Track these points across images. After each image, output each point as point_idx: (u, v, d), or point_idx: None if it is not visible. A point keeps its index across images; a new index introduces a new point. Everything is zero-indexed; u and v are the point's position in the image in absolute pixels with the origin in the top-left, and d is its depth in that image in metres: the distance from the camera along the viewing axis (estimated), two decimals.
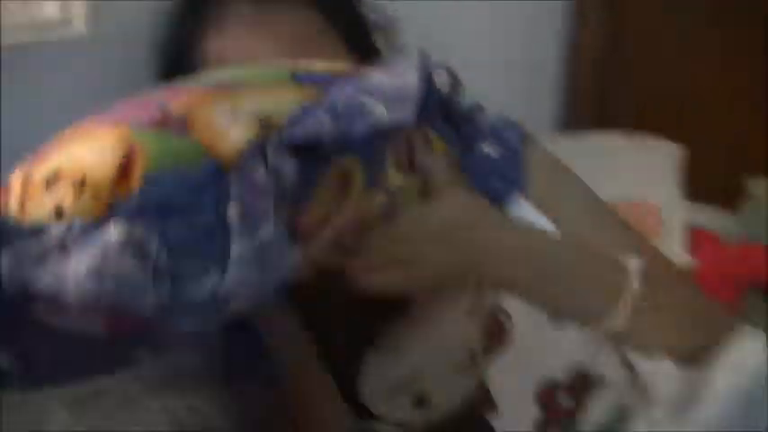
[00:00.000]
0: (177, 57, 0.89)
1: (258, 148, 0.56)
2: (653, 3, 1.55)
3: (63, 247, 0.53)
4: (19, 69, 0.94)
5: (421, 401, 0.76)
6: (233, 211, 0.54)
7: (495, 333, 0.75)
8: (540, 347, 0.76)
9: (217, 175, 0.55)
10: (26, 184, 0.56)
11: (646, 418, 0.70)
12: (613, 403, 0.74)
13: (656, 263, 0.78)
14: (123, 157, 0.54)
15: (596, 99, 1.58)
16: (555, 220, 0.79)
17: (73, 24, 0.91)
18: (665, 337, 0.74)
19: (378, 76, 0.63)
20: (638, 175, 1.24)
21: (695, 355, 0.74)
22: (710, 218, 1.37)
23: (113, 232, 0.52)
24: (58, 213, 0.55)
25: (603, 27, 1.59)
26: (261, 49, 0.84)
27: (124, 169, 0.54)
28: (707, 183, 1.32)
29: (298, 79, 0.62)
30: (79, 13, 0.91)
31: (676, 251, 1.12)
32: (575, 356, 0.76)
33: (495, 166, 0.81)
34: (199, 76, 0.66)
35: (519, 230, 0.74)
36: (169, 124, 0.56)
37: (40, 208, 0.55)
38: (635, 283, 0.71)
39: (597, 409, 0.74)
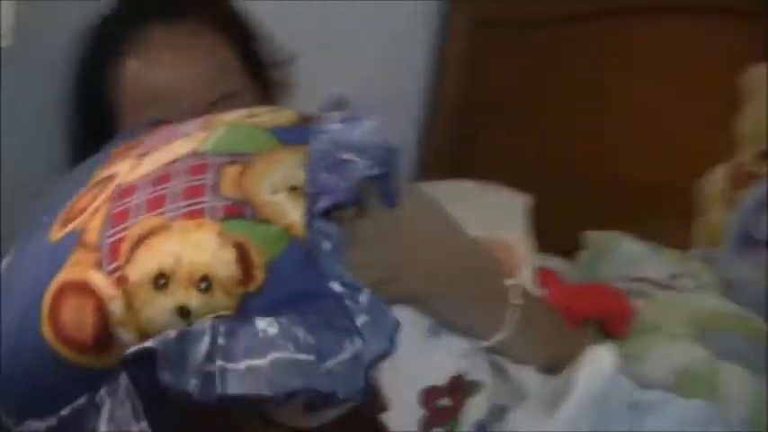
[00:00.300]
0: (95, 79, 0.93)
1: (310, 221, 0.59)
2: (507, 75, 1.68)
3: (219, 347, 0.54)
4: None
5: (312, 407, 0.82)
6: (335, 285, 0.58)
7: None
8: (419, 356, 0.82)
9: (307, 254, 0.58)
10: (121, 285, 0.56)
11: (521, 413, 0.79)
12: (490, 403, 0.83)
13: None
14: (240, 252, 0.56)
15: (449, 159, 1.70)
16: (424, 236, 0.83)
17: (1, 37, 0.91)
18: (534, 348, 0.85)
19: (341, 129, 0.67)
20: (491, 218, 1.30)
21: (556, 365, 0.85)
22: (551, 265, 1.48)
23: (267, 327, 0.54)
24: (183, 313, 0.55)
25: (461, 92, 1.70)
26: (178, 71, 0.90)
27: (243, 263, 0.56)
28: (548, 236, 1.43)
29: (280, 140, 0.65)
30: (8, 25, 0.91)
31: (530, 287, 1.22)
32: (451, 364, 0.82)
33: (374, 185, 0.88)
34: (187, 145, 0.66)
35: (434, 243, 0.81)
36: (242, 212, 0.58)
37: (156, 309, 0.56)
38: (516, 300, 0.81)
39: (475, 409, 0.82)
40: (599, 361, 0.82)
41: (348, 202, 0.63)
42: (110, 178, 0.65)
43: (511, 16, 1.66)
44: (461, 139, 1.72)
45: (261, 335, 0.54)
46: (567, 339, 0.89)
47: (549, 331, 0.88)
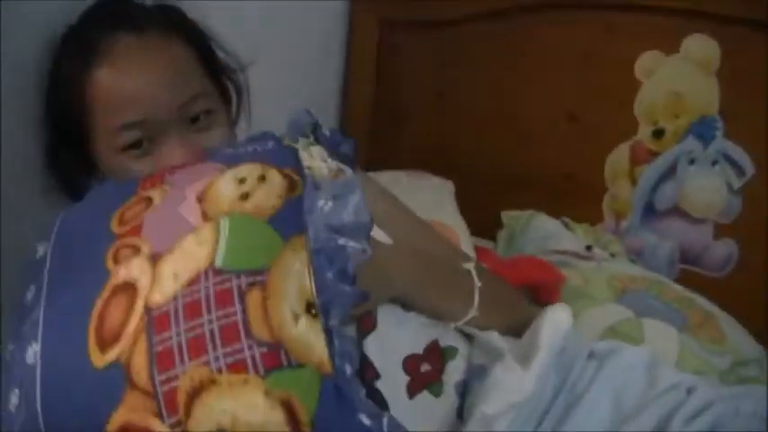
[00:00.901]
0: (65, 86, 0.97)
1: (331, 343, 0.67)
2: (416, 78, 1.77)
3: None
4: None
5: None
6: (365, 419, 0.66)
7: (366, 322, 0.90)
8: (397, 329, 0.91)
9: (337, 389, 0.65)
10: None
11: (500, 369, 0.89)
12: (467, 363, 0.93)
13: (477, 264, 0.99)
14: (287, 410, 0.63)
15: (366, 154, 1.77)
16: (393, 234, 0.92)
17: None
18: (495, 319, 0.95)
19: (331, 210, 0.73)
20: (426, 203, 1.38)
21: (513, 330, 0.96)
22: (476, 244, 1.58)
23: None
24: None
25: (373, 90, 1.81)
26: (147, 76, 0.94)
27: (292, 422, 0.63)
28: (470, 218, 1.53)
29: (281, 235, 0.71)
30: None
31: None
32: (425, 333, 0.92)
33: None
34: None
35: (408, 242, 0.90)
36: (279, 361, 0.65)
37: None
38: (478, 281, 0.91)
39: (455, 371, 0.92)
40: (556, 319, 0.93)
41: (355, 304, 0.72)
42: (131, 287, 0.71)
43: (417, 15, 1.75)
44: (376, 135, 1.81)
45: None
46: (521, 307, 1.00)
47: (506, 302, 0.98)
